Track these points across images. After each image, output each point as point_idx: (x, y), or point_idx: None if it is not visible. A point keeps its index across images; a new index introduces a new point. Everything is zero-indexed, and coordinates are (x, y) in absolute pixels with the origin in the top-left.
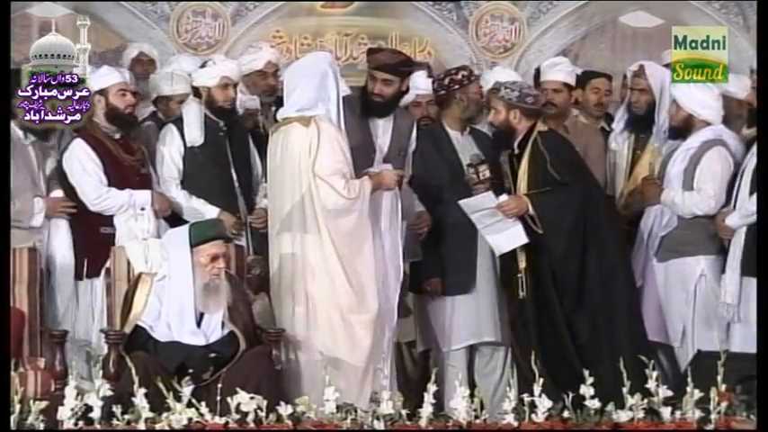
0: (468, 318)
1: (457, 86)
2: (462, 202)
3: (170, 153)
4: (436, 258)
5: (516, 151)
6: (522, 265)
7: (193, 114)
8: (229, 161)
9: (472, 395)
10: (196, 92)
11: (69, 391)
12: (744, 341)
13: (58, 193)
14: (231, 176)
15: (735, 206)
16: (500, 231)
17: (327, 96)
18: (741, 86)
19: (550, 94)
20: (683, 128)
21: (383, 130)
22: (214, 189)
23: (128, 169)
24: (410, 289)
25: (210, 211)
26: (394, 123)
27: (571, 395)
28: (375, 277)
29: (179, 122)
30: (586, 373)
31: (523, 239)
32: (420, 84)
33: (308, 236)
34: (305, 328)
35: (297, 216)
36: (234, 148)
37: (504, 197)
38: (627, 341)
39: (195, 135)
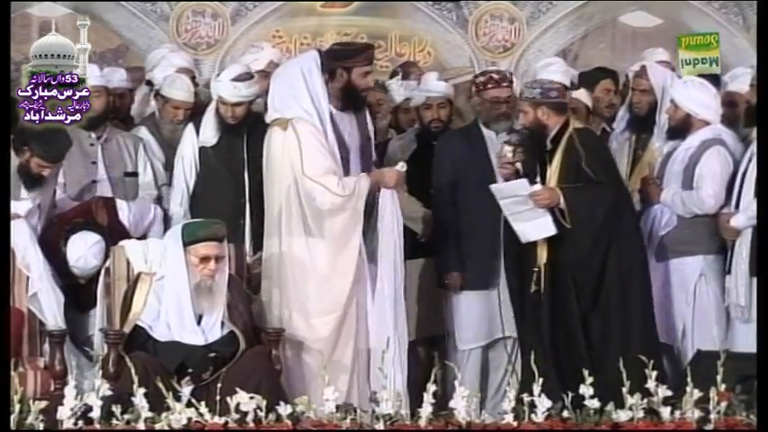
0: (489, 314)
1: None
2: (494, 187)
3: (184, 150)
4: (458, 253)
5: (549, 147)
6: (543, 259)
7: (211, 114)
8: (243, 165)
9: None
10: None
11: (69, 391)
12: (748, 341)
13: None
14: (243, 180)
15: (737, 206)
16: (528, 220)
17: (297, 96)
18: (748, 83)
19: None
20: (681, 127)
21: (350, 124)
22: (223, 191)
23: None
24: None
25: None
26: (357, 117)
27: (571, 395)
28: (354, 279)
29: (200, 122)
30: (586, 372)
31: (551, 231)
32: (431, 86)
33: (289, 239)
34: (289, 329)
35: (276, 219)
36: (251, 152)
37: (537, 186)
38: (639, 344)
39: (208, 135)
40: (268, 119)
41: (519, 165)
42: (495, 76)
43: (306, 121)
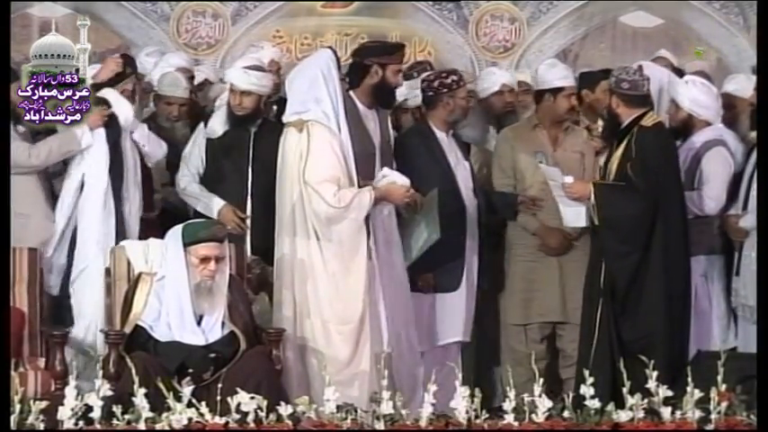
0: (456, 316)
1: (445, 90)
2: (542, 166)
3: (192, 147)
4: (426, 255)
5: (620, 136)
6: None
7: (221, 108)
8: (248, 160)
9: (472, 395)
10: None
11: (69, 391)
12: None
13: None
14: (246, 175)
15: (744, 207)
16: (568, 205)
17: (318, 97)
18: (750, 86)
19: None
20: (682, 128)
21: (373, 121)
22: (226, 185)
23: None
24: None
25: (216, 204)
26: (380, 113)
27: (571, 395)
28: (364, 287)
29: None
30: (586, 373)
31: (582, 223)
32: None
33: (298, 241)
34: (292, 330)
35: (289, 221)
36: (257, 149)
37: (569, 178)
38: (665, 356)
39: (216, 128)
40: (285, 119)
41: (600, 141)
42: (454, 77)
43: (322, 125)
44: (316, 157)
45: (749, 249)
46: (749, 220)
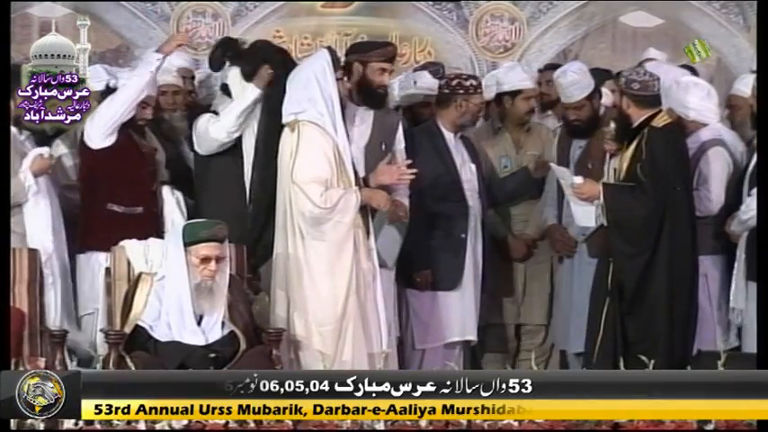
0: (454, 315)
1: (461, 91)
2: (552, 165)
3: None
4: (427, 252)
5: (630, 137)
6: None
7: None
8: (251, 159)
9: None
10: None
11: None
12: (746, 342)
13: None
14: (252, 175)
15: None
16: (579, 205)
17: (312, 98)
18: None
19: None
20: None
21: (361, 119)
22: (231, 185)
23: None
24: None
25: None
26: (375, 114)
27: None
28: (347, 289)
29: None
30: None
31: (592, 223)
32: (428, 83)
33: (289, 239)
34: (286, 329)
35: (282, 220)
36: (258, 149)
37: (578, 179)
38: (667, 356)
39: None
40: (284, 120)
41: (610, 148)
42: (473, 81)
43: (314, 125)
44: (304, 157)
45: (739, 252)
46: (735, 224)
